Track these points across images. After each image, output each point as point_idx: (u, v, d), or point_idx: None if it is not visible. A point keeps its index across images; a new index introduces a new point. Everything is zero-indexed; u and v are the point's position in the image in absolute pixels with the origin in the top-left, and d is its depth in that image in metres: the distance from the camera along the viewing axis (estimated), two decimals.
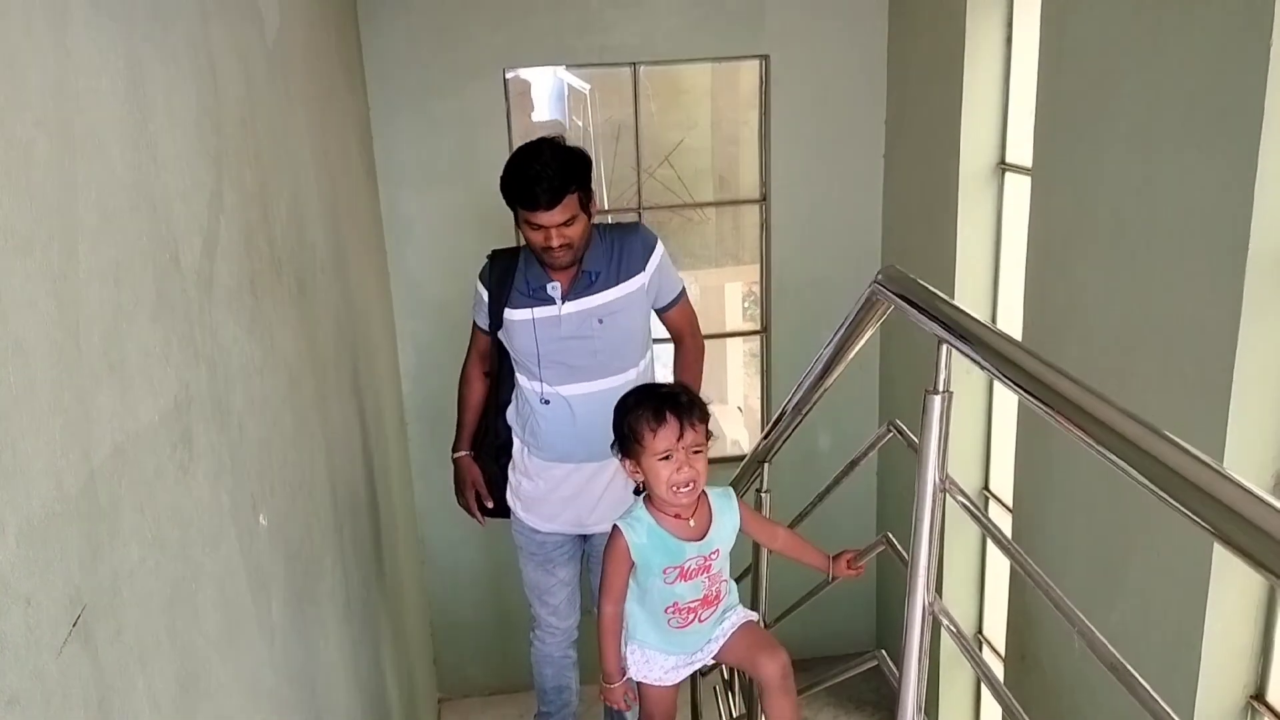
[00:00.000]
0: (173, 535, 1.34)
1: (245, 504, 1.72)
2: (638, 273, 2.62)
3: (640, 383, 2.66)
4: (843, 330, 2.04)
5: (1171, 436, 1.11)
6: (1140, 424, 1.15)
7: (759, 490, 2.69)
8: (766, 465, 2.66)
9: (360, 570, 2.86)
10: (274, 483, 1.95)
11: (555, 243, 2.47)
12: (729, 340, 8.12)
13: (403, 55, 4.17)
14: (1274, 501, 0.94)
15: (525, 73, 5.19)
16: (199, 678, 1.40)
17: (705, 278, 8.04)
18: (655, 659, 2.21)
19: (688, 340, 2.81)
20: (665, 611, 2.13)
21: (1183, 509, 1.03)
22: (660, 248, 2.69)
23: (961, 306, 1.63)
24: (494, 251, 2.73)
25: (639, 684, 2.27)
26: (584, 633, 3.04)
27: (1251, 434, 2.46)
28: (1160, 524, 2.67)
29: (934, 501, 1.66)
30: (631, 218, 4.70)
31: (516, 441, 2.77)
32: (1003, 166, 3.77)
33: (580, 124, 7.27)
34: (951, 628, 1.69)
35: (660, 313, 2.76)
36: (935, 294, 1.69)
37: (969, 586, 4.25)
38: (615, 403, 2.59)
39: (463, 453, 2.90)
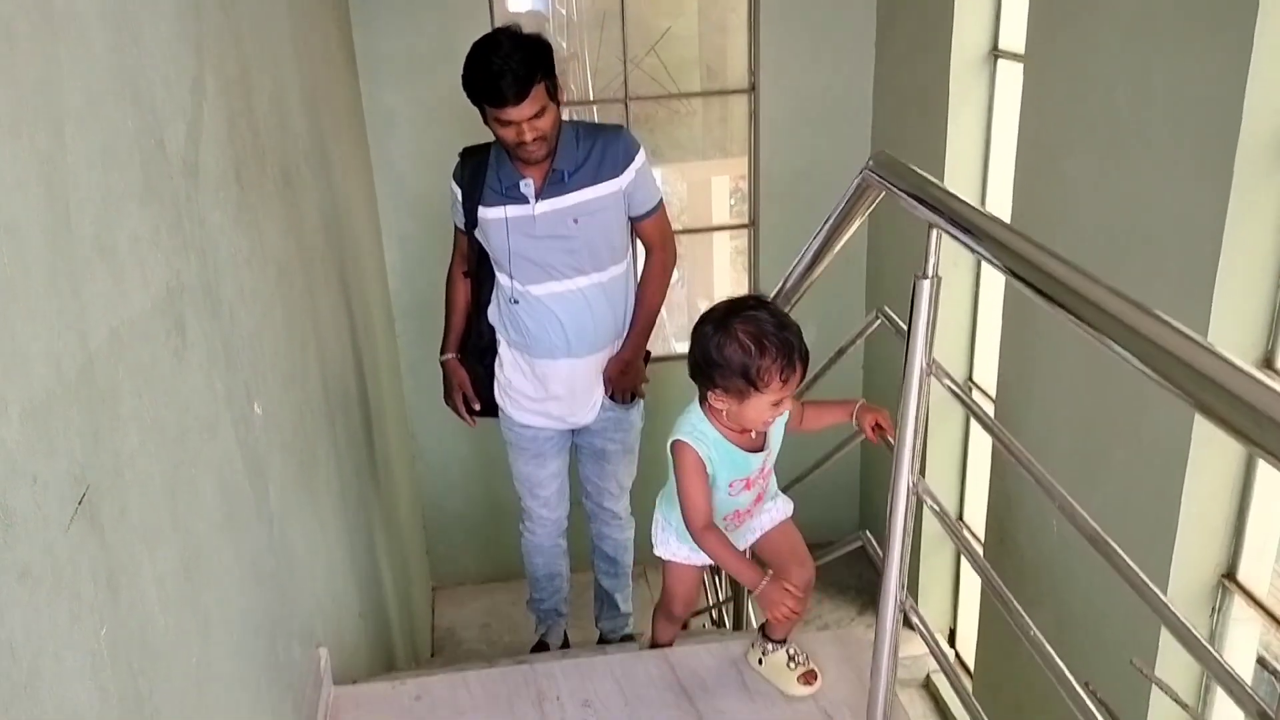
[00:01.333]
0: (171, 421, 1.36)
1: (240, 392, 1.74)
2: (615, 176, 2.55)
3: (617, 281, 2.64)
4: (834, 217, 2.04)
5: (1156, 312, 1.13)
6: (1126, 300, 1.17)
7: None
8: None
9: (353, 461, 2.90)
10: (267, 372, 1.96)
11: (528, 136, 2.40)
12: (715, 235, 8.09)
13: None
14: (1254, 371, 0.97)
15: None
16: (202, 560, 1.44)
17: (691, 171, 7.95)
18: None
19: (657, 253, 2.73)
20: (724, 520, 2.05)
21: (1166, 382, 1.06)
22: (642, 155, 2.60)
23: (953, 191, 1.63)
24: (465, 149, 2.66)
25: (666, 562, 2.21)
26: (573, 522, 3.10)
27: (1234, 323, 2.49)
28: (1141, 409, 2.72)
29: (921, 385, 1.69)
30: (618, 109, 4.64)
31: (501, 339, 2.75)
32: (995, 53, 3.71)
33: (564, 11, 7.09)
34: (934, 506, 1.74)
35: (634, 221, 2.68)
36: (926, 178, 1.70)
37: (951, 473, 4.34)
38: (597, 302, 2.61)
39: (449, 355, 2.87)
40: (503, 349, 2.74)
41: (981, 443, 4.13)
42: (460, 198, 2.63)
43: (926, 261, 1.63)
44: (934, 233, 1.60)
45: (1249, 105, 2.31)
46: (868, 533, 2.14)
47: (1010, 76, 3.58)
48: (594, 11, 5.34)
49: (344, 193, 3.40)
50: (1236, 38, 2.29)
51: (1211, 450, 2.58)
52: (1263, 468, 2.58)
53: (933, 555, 4.37)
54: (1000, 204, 3.62)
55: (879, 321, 2.00)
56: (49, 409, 1.00)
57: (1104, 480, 2.94)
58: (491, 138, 2.52)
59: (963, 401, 1.64)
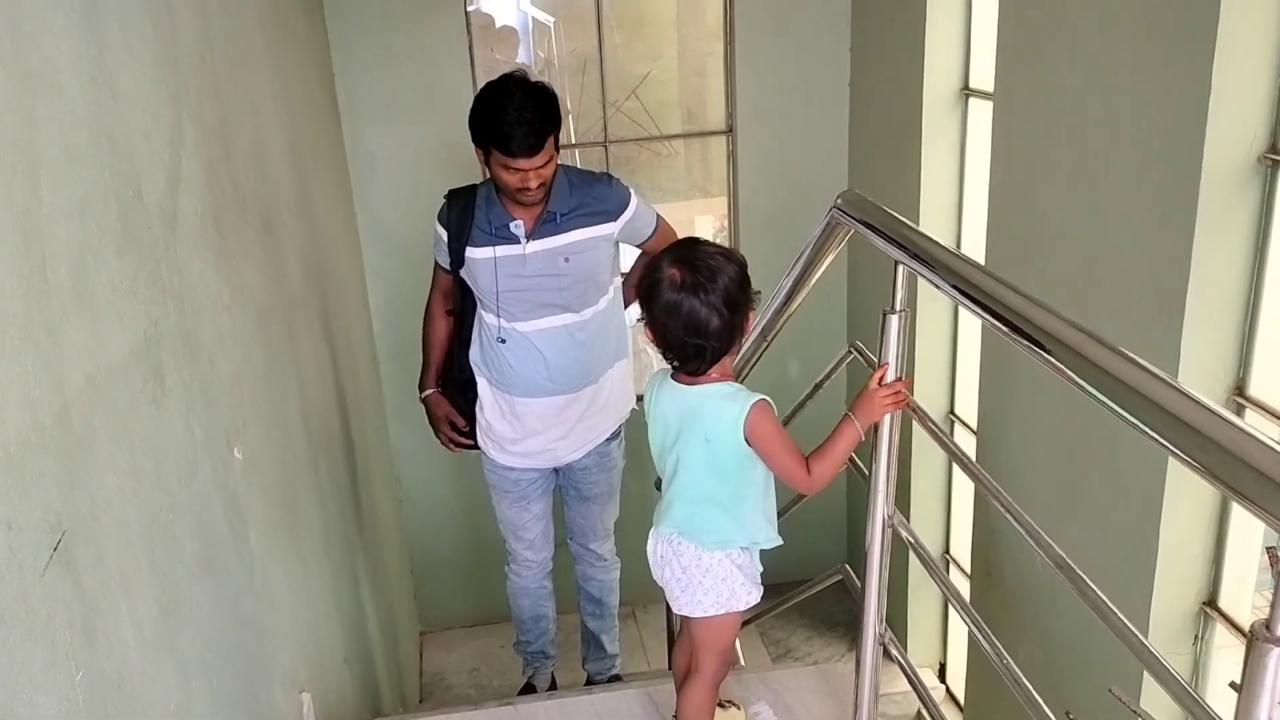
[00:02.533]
0: (148, 466, 1.37)
1: (219, 437, 1.75)
2: (608, 222, 2.60)
3: (600, 319, 2.67)
4: (804, 255, 2.07)
5: (1120, 349, 1.15)
6: (1090, 336, 1.20)
7: None
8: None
9: (337, 504, 2.91)
10: (247, 417, 1.97)
11: (533, 184, 2.42)
12: None
13: None
14: (1225, 413, 0.99)
15: (489, 7, 5.13)
16: (180, 604, 1.44)
17: (675, 212, 7.99)
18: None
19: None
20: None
21: (1134, 421, 1.08)
22: (634, 200, 2.65)
23: (916, 227, 1.67)
24: (451, 192, 2.66)
25: (718, 617, 1.86)
26: (559, 563, 3.10)
27: (1204, 355, 2.53)
28: (1117, 437, 2.75)
29: (892, 417, 1.72)
30: (598, 152, 4.69)
31: (482, 380, 2.74)
32: (966, 92, 3.78)
33: (544, 56, 7.19)
34: (910, 538, 1.76)
35: (641, 246, 2.73)
36: (892, 216, 1.73)
37: (935, 507, 4.36)
38: (581, 338, 2.62)
39: (430, 390, 2.87)
40: (483, 388, 2.74)
41: (965, 475, 4.15)
42: (446, 239, 2.64)
43: (894, 296, 1.66)
44: (900, 268, 1.63)
45: (1210, 138, 2.36)
46: (848, 566, 2.15)
47: (982, 113, 3.65)
48: (575, 57, 5.42)
49: (326, 236, 3.43)
50: (1195, 72, 2.34)
51: (1189, 477, 2.60)
52: None
53: (920, 589, 4.37)
54: (975, 238, 3.67)
55: (852, 356, 2.02)
56: (24, 455, 1.02)
57: (1083, 509, 2.96)
58: (478, 178, 2.56)
59: (933, 433, 1.66)
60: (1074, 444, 3.01)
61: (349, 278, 3.97)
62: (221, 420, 1.78)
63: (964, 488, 4.20)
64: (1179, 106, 2.43)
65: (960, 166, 3.89)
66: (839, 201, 1.91)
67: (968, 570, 3.96)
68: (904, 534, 1.76)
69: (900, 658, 1.84)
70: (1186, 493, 2.62)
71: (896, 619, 4.49)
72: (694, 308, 1.65)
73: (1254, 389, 2.55)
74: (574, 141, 5.26)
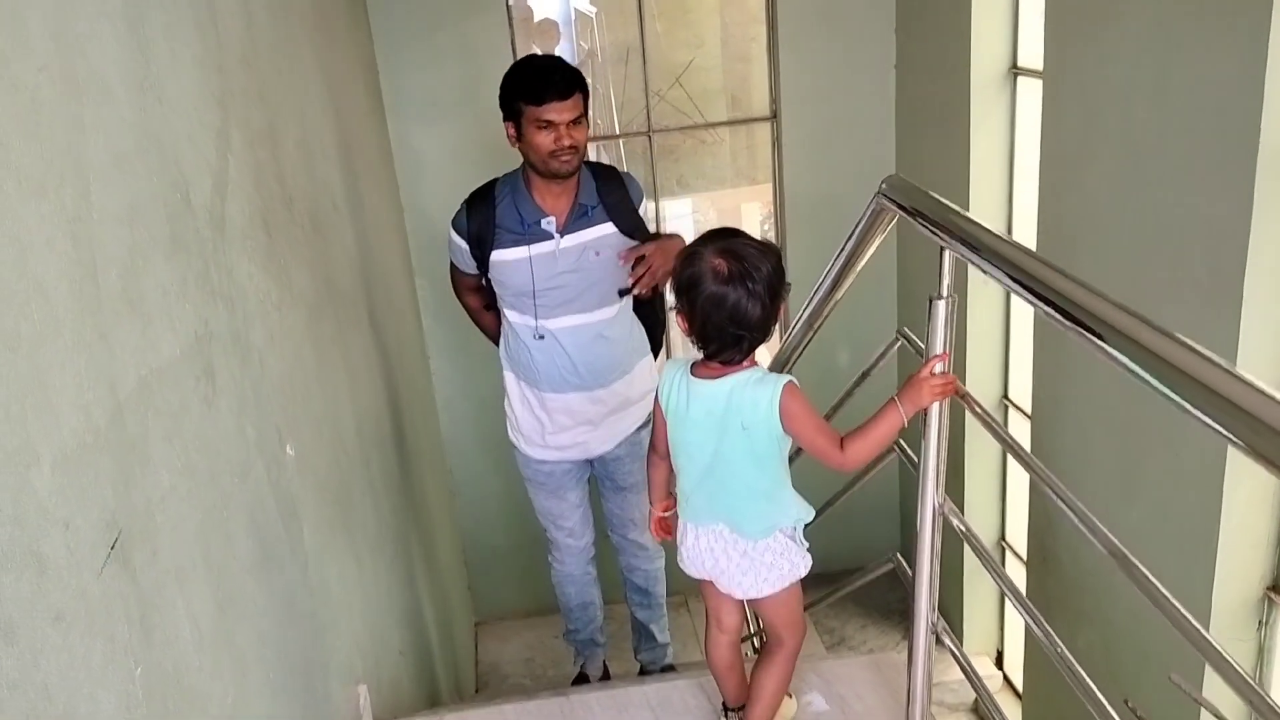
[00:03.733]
0: (201, 464, 1.40)
1: (271, 435, 1.78)
2: (629, 215, 2.62)
3: (625, 314, 2.68)
4: (850, 242, 2.05)
5: (1174, 334, 1.12)
6: (1142, 321, 1.17)
7: None
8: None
9: (389, 499, 2.94)
10: (299, 415, 2.00)
11: (566, 142, 2.41)
12: None
13: None
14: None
15: (531, 0, 5.14)
16: (235, 599, 1.47)
17: (721, 199, 7.99)
18: None
19: None
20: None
21: (1189, 407, 1.05)
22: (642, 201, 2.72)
23: (962, 211, 1.64)
24: (471, 196, 2.64)
25: (784, 591, 1.86)
26: (604, 553, 3.10)
27: (1264, 335, 2.47)
28: (1176, 420, 2.68)
29: (941, 404, 1.69)
30: (642, 141, 4.68)
31: (509, 374, 2.75)
32: (1015, 71, 3.71)
33: (586, 47, 7.20)
34: (961, 526, 1.74)
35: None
36: (937, 200, 1.71)
37: (990, 493, 4.30)
38: (608, 335, 2.62)
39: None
40: (510, 383, 2.76)
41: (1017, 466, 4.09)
42: (467, 248, 2.62)
43: (941, 282, 1.64)
44: (946, 254, 1.61)
45: (1267, 110, 2.30)
46: (899, 555, 2.13)
47: (1030, 92, 3.58)
48: (617, 47, 5.42)
49: (374, 234, 3.47)
50: (1252, 44, 2.28)
51: (1250, 461, 2.54)
52: None
53: (975, 576, 4.32)
54: (1026, 219, 3.61)
55: (900, 343, 2.00)
56: (80, 457, 1.04)
57: (1141, 494, 2.90)
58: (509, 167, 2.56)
59: (984, 421, 1.64)
60: (1131, 427, 2.95)
61: (397, 274, 4.01)
62: (273, 418, 1.80)
63: (1019, 473, 4.14)
64: (1234, 80, 2.37)
65: (1010, 147, 3.82)
66: (884, 187, 1.88)
67: (1024, 557, 3.90)
68: (955, 522, 1.74)
69: (954, 646, 1.82)
70: (1248, 476, 2.55)
71: (952, 607, 4.44)
72: (739, 299, 1.65)
73: None
74: (618, 132, 5.26)
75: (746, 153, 6.37)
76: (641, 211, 2.66)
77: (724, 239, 1.71)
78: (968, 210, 3.74)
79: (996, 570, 1.66)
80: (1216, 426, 1.02)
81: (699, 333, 1.70)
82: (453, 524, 4.72)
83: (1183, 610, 1.21)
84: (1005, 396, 4.11)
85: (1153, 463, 2.84)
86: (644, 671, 3.22)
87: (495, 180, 2.64)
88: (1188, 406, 1.03)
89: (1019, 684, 4.14)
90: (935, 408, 1.69)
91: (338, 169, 2.86)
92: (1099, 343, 1.17)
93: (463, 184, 4.23)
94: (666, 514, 2.02)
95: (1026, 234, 3.55)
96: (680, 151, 6.15)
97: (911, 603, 1.81)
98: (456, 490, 4.81)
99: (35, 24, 1.09)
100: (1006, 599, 4.37)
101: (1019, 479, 4.13)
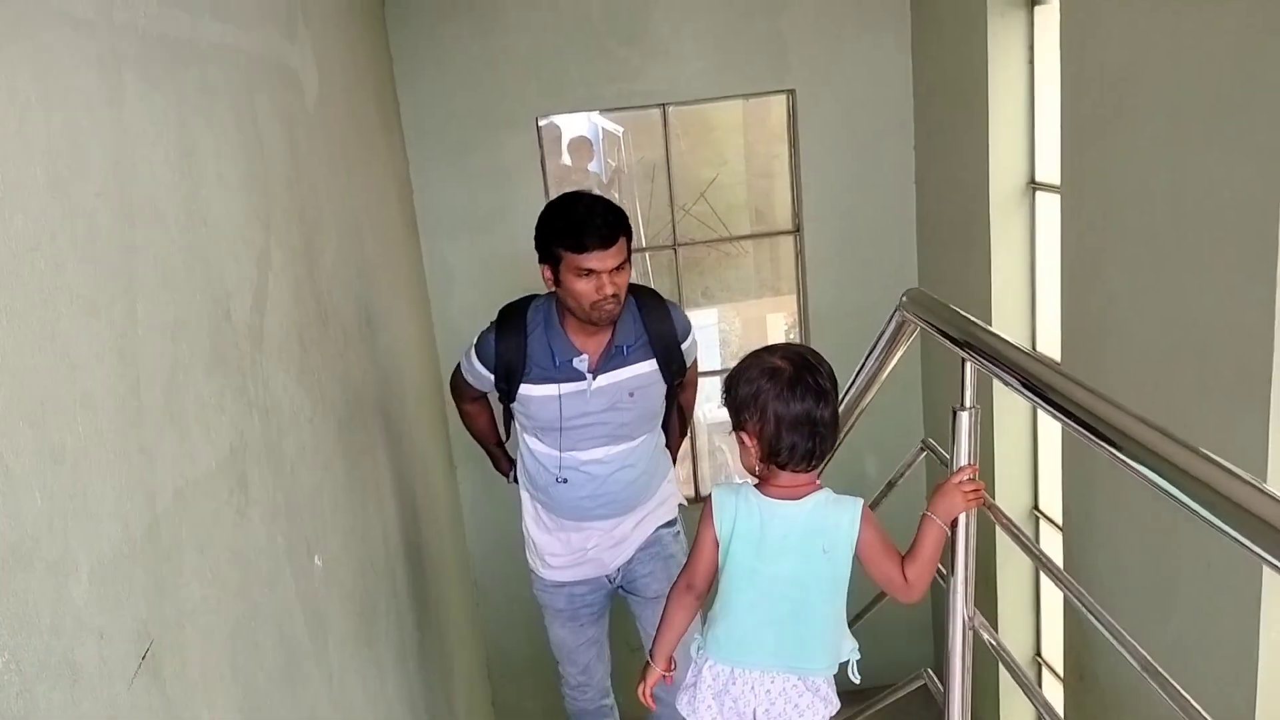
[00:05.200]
0: (232, 575, 1.42)
1: (300, 546, 1.80)
2: (673, 351, 2.50)
3: (652, 438, 2.58)
4: (874, 353, 2.08)
5: (1197, 448, 1.13)
6: (1163, 433, 1.18)
7: None
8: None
9: (414, 613, 2.93)
10: (327, 526, 2.02)
11: (609, 290, 2.25)
12: None
13: (438, 109, 4.30)
14: None
15: (559, 118, 5.32)
16: (261, 712, 1.47)
17: (746, 310, 8.09)
18: None
19: (690, 388, 2.74)
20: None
21: (1213, 520, 1.05)
22: (693, 332, 2.59)
23: (982, 324, 1.67)
24: (500, 323, 2.48)
25: None
26: (619, 670, 2.99)
27: None
28: (1208, 534, 2.65)
29: (968, 516, 1.69)
30: (668, 255, 4.77)
31: (527, 497, 2.64)
32: (1033, 186, 3.79)
33: (614, 164, 7.42)
34: (992, 641, 1.71)
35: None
36: (958, 313, 1.73)
37: (1023, 607, 4.21)
38: (634, 462, 2.51)
39: (511, 471, 2.77)
40: (526, 504, 2.66)
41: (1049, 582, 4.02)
42: (492, 380, 2.49)
43: (964, 393, 1.65)
44: (968, 365, 1.63)
45: None
46: (929, 671, 2.09)
47: (1049, 205, 3.65)
48: (644, 165, 5.58)
49: (404, 346, 3.53)
50: (1267, 146, 2.32)
51: None
52: None
53: (1012, 694, 4.20)
54: (1050, 331, 3.63)
55: (924, 453, 2.00)
56: (116, 567, 1.06)
57: (1177, 608, 2.84)
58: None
59: (1012, 534, 1.63)
60: (1164, 539, 2.90)
61: (426, 384, 4.07)
62: (303, 529, 1.82)
63: (1053, 588, 4.06)
64: (1250, 182, 2.40)
65: (1031, 259, 3.87)
66: (904, 300, 1.92)
67: (1060, 674, 3.80)
68: (986, 637, 1.72)
69: None
70: None
71: None
72: (808, 394, 1.62)
73: None
74: (644, 245, 5.37)
75: (770, 265, 6.48)
76: (691, 339, 2.56)
77: (770, 349, 1.69)
78: (990, 322, 3.77)
79: (1030, 688, 1.63)
80: (1244, 541, 1.02)
81: (770, 443, 1.63)
82: (476, 635, 4.67)
83: None
84: (1035, 508, 4.07)
85: (1187, 575, 2.79)
86: None
87: (528, 301, 2.49)
88: (1211, 519, 1.04)
89: None
90: (962, 520, 1.69)
91: (370, 285, 2.94)
92: (1118, 454, 1.18)
93: (492, 299, 4.30)
94: (669, 673, 1.91)
95: (1051, 344, 3.57)
96: (705, 265, 6.27)
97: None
98: (480, 600, 4.77)
99: (95, 152, 1.15)
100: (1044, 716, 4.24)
101: (1053, 594, 4.05)
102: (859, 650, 1.78)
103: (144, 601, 1.12)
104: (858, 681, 1.78)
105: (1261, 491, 1.00)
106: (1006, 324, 3.91)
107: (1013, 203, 3.81)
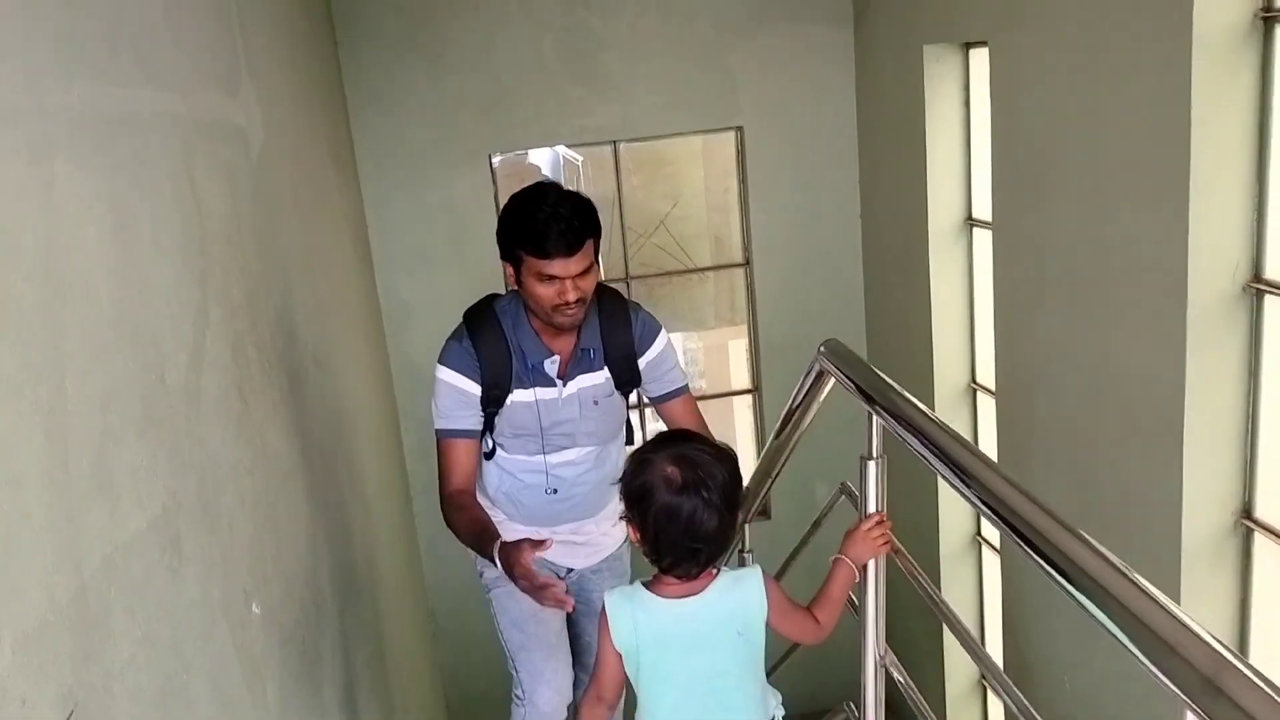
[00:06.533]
0: (163, 633, 1.47)
1: (237, 596, 1.85)
2: (627, 367, 2.36)
3: (619, 442, 2.49)
4: (794, 400, 2.16)
5: (1063, 520, 1.16)
6: (1040, 507, 1.22)
7: (741, 551, 2.79)
8: (746, 525, 2.77)
9: (364, 649, 2.97)
10: (267, 574, 2.07)
11: (571, 296, 2.12)
12: (735, 400, 8.24)
13: (393, 146, 4.38)
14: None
15: (518, 146, 5.39)
16: None
17: (708, 337, 8.18)
18: None
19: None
20: None
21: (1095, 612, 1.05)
22: (664, 336, 2.42)
23: (891, 382, 1.75)
24: (471, 325, 2.31)
25: None
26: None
27: (1208, 478, 2.56)
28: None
29: (877, 559, 1.77)
30: (620, 288, 4.85)
31: (486, 504, 2.44)
32: (970, 222, 3.91)
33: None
34: (902, 679, 1.79)
35: (657, 401, 2.47)
36: (866, 367, 1.82)
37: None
38: (600, 466, 2.36)
39: (495, 544, 2.13)
40: (488, 509, 2.44)
41: (999, 603, 4.12)
42: (478, 394, 2.27)
43: (870, 443, 1.74)
44: (874, 419, 1.71)
45: (1193, 267, 2.44)
46: (851, 704, 2.17)
47: (986, 242, 3.76)
48: (601, 197, 5.66)
49: (357, 384, 3.59)
50: (1174, 206, 2.44)
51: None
52: None
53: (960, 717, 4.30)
54: (989, 362, 3.74)
55: (841, 496, 2.09)
56: (40, 636, 1.12)
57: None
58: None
59: (912, 578, 1.71)
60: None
61: (381, 419, 4.12)
62: (240, 579, 1.88)
63: (998, 613, 4.16)
64: (1162, 240, 2.52)
65: (969, 293, 3.98)
66: (822, 349, 2.00)
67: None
68: (897, 675, 1.80)
69: None
70: (1204, 611, 2.61)
71: None
72: (695, 509, 1.56)
73: (1260, 511, 2.56)
74: (603, 277, 5.44)
75: (730, 294, 6.58)
76: (660, 349, 2.39)
77: (676, 444, 1.65)
78: (931, 354, 3.85)
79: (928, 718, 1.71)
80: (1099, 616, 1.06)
81: (652, 545, 1.62)
82: (434, 668, 4.70)
83: None
84: (979, 533, 4.17)
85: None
86: None
87: (490, 301, 2.35)
88: (1069, 589, 1.10)
89: None
90: (871, 563, 1.77)
91: (318, 326, 3.00)
92: (1000, 524, 1.25)
93: (447, 330, 4.36)
94: None
95: (989, 376, 3.68)
96: (671, 287, 6.34)
97: None
98: (439, 634, 4.81)
99: (24, 238, 1.22)
100: None
101: (995, 622, 4.15)
102: (782, 703, 1.84)
103: (69, 666, 1.18)
104: None
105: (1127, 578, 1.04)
106: (946, 355, 4.02)
107: (950, 238, 3.93)
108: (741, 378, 8.26)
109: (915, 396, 1.65)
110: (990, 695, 4.26)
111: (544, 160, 6.62)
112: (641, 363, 2.38)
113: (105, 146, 1.50)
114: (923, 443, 1.51)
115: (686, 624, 1.66)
